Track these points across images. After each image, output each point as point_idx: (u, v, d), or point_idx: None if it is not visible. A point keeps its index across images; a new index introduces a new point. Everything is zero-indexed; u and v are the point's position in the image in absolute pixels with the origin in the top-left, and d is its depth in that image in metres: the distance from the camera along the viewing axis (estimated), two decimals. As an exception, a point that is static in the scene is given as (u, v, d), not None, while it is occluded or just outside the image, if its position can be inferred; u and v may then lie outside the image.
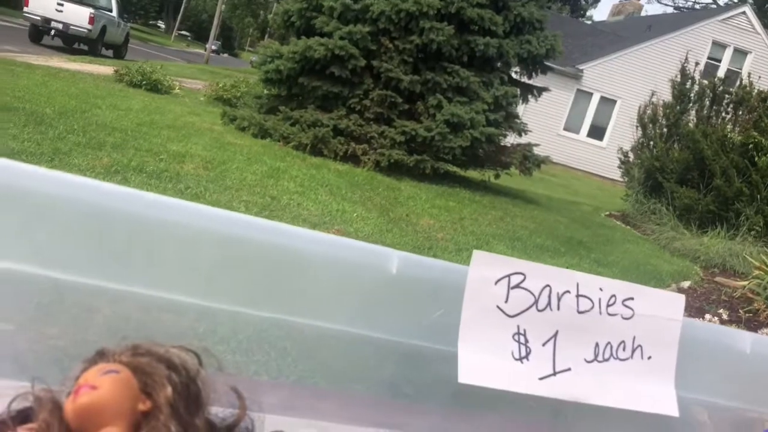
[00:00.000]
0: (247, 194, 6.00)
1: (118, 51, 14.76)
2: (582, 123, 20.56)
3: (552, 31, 9.57)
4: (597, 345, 0.89)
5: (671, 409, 0.90)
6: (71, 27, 13.00)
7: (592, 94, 20.48)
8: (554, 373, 0.86)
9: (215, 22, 19.85)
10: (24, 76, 8.88)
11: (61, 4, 12.85)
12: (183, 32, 36.80)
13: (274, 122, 8.69)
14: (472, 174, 9.85)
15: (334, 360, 0.78)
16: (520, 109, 12.66)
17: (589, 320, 0.88)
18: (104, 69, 11.02)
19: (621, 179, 12.26)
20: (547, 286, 0.87)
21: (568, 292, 0.87)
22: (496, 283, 0.84)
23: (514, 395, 0.82)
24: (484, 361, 0.83)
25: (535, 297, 0.86)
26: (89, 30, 13.27)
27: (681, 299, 0.93)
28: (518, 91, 9.65)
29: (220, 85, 10.94)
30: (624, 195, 11.06)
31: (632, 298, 0.91)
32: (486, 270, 0.84)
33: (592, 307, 0.88)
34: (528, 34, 9.20)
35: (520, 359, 0.85)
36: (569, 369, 0.87)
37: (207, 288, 0.73)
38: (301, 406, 0.76)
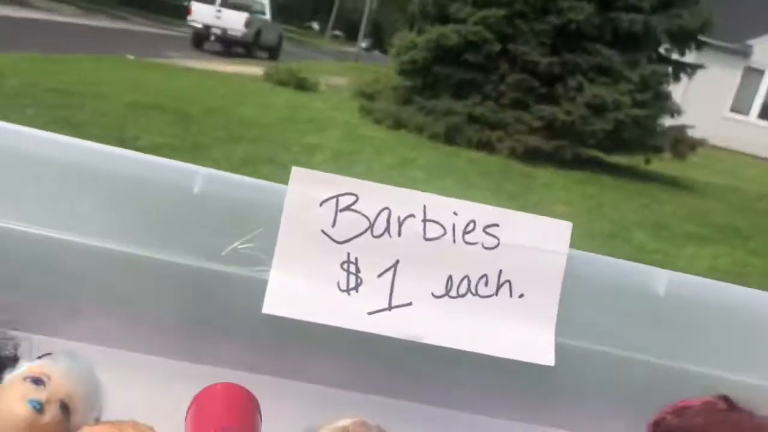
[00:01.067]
0: (369, 182, 6.03)
1: (273, 52, 15.53)
2: (752, 103, 18.66)
3: (707, 3, 8.78)
4: (450, 278, 0.75)
5: (546, 357, 0.75)
6: (229, 31, 13.93)
7: (763, 71, 18.54)
8: (389, 308, 0.74)
9: (363, 19, 20.32)
10: (181, 78, 9.55)
11: (219, 11, 13.83)
12: (336, 32, 38.01)
13: (409, 113, 8.70)
14: (618, 159, 9.28)
15: (122, 284, 0.72)
16: (679, 89, 11.73)
17: (439, 249, 0.75)
18: (256, 70, 11.60)
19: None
20: (386, 208, 0.75)
21: (412, 216, 0.75)
22: (321, 204, 0.74)
23: (342, 332, 0.71)
24: (299, 292, 0.73)
25: (369, 221, 0.74)
26: (245, 33, 14.15)
27: (566, 227, 0.77)
28: (669, 70, 8.96)
29: (363, 80, 11.14)
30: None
31: (496, 225, 0.76)
32: (309, 189, 0.74)
33: (444, 234, 0.75)
34: (679, 8, 8.50)
35: (347, 290, 0.74)
36: (410, 304, 0.74)
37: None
38: (80, 328, 0.72)
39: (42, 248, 0.69)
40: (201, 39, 14.34)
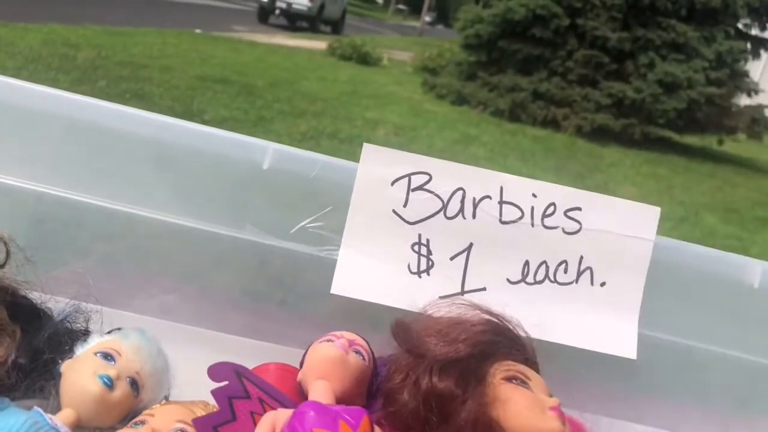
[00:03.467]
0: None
1: (336, 26, 15.50)
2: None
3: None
4: (527, 263, 0.71)
5: (627, 350, 0.71)
6: (293, 5, 13.97)
7: None
8: (462, 293, 0.71)
9: (427, -7, 20.20)
10: (246, 52, 9.63)
11: (284, -16, 13.92)
12: (400, 6, 37.57)
13: (472, 88, 8.57)
14: (690, 140, 8.95)
15: (190, 258, 0.71)
16: (758, 67, 11.22)
17: (516, 232, 0.71)
18: (319, 44, 11.60)
19: None
20: (460, 189, 0.71)
21: (488, 197, 0.71)
22: (392, 183, 0.71)
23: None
24: (368, 273, 0.70)
25: (443, 202, 0.71)
26: (309, 7, 14.16)
27: (654, 212, 0.72)
28: (747, 46, 8.55)
29: (426, 55, 11.02)
30: None
31: (579, 209, 0.72)
32: (380, 167, 0.71)
33: (521, 217, 0.71)
34: (761, -20, 8.10)
35: (418, 273, 0.71)
36: (483, 289, 0.71)
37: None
38: (148, 302, 0.71)
39: (112, 221, 0.69)
40: (266, 13, 14.43)
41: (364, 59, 10.89)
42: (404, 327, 0.61)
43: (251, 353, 0.68)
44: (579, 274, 0.71)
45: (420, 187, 0.71)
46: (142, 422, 0.56)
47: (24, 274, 0.61)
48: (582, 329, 0.70)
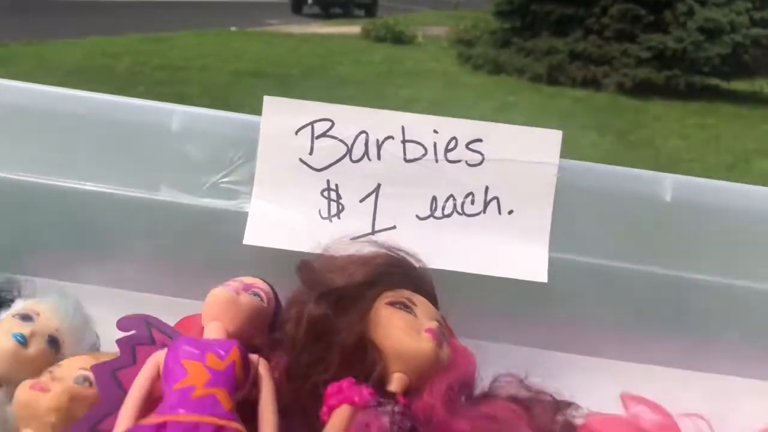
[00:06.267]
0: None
1: (369, 9, 15.45)
2: None
3: None
4: (434, 199, 0.72)
5: (538, 274, 0.71)
6: (326, -8, 14.08)
7: None
8: (373, 232, 0.72)
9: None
10: (280, 44, 9.72)
11: (317, -28, 13.99)
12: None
13: (508, 55, 8.45)
14: (739, 86, 8.61)
15: (114, 224, 0.75)
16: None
17: (421, 169, 0.72)
18: (353, 29, 11.60)
19: None
20: (363, 132, 0.72)
21: (391, 137, 0.72)
22: (296, 132, 0.73)
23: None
24: (281, 222, 0.72)
25: (347, 146, 0.72)
26: (342, -8, 14.25)
27: (556, 135, 0.72)
28: (793, -19, 8.15)
29: (461, 27, 10.89)
30: None
31: (479, 140, 0.72)
32: (283, 118, 0.72)
33: (425, 154, 0.72)
34: None
35: (329, 218, 0.72)
36: (393, 227, 0.72)
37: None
38: (79, 270, 0.75)
39: (40, 196, 0.73)
40: (300, 3, 14.53)
41: (399, 39, 10.85)
42: (307, 265, 0.63)
43: (175, 311, 0.71)
44: (486, 204, 0.72)
45: (324, 134, 0.72)
46: (49, 371, 0.59)
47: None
48: (493, 257, 0.71)
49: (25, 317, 0.64)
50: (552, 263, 0.70)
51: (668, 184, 0.70)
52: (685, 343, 0.74)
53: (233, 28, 10.79)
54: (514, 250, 0.71)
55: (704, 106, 7.64)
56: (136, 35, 8.98)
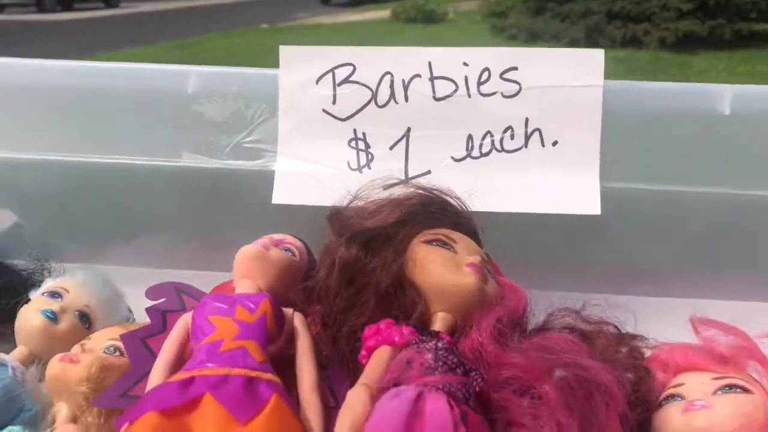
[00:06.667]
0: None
1: (399, -8, 15.38)
2: None
3: None
4: (470, 137, 0.67)
5: (591, 206, 0.65)
6: (352, -20, 14.00)
7: None
8: (406, 180, 0.67)
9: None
10: (309, 36, 9.69)
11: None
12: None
13: (543, 22, 8.26)
14: (789, 28, 8.24)
15: (138, 196, 0.72)
16: None
17: (452, 107, 0.66)
18: (383, 13, 11.52)
19: None
20: (387, 73, 0.67)
21: (418, 76, 0.67)
22: (317, 81, 0.68)
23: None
24: (309, 177, 0.68)
25: (372, 90, 0.67)
26: (368, -21, 14.14)
27: (598, 55, 0.66)
28: None
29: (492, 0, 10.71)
30: None
31: (515, 68, 0.66)
32: (301, 68, 0.68)
33: (456, 90, 0.66)
34: None
35: (359, 169, 0.68)
36: (428, 172, 0.67)
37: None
38: (109, 250, 0.72)
39: (61, 174, 0.71)
40: (328, -5, 14.53)
41: (430, 17, 10.73)
42: (338, 213, 0.59)
43: (207, 285, 0.67)
44: (527, 137, 0.66)
45: (346, 80, 0.68)
46: (81, 344, 0.57)
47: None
48: (539, 194, 0.66)
49: (54, 294, 0.63)
50: (604, 194, 0.64)
51: (726, 95, 0.63)
52: (763, 271, 0.67)
53: (264, 25, 10.81)
54: (561, 184, 0.66)
55: (753, 54, 7.33)
56: (167, 43, 9.06)
